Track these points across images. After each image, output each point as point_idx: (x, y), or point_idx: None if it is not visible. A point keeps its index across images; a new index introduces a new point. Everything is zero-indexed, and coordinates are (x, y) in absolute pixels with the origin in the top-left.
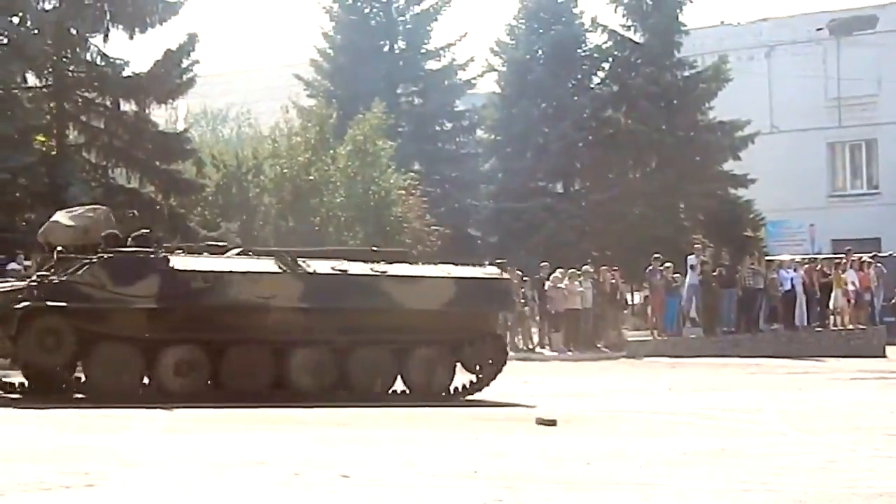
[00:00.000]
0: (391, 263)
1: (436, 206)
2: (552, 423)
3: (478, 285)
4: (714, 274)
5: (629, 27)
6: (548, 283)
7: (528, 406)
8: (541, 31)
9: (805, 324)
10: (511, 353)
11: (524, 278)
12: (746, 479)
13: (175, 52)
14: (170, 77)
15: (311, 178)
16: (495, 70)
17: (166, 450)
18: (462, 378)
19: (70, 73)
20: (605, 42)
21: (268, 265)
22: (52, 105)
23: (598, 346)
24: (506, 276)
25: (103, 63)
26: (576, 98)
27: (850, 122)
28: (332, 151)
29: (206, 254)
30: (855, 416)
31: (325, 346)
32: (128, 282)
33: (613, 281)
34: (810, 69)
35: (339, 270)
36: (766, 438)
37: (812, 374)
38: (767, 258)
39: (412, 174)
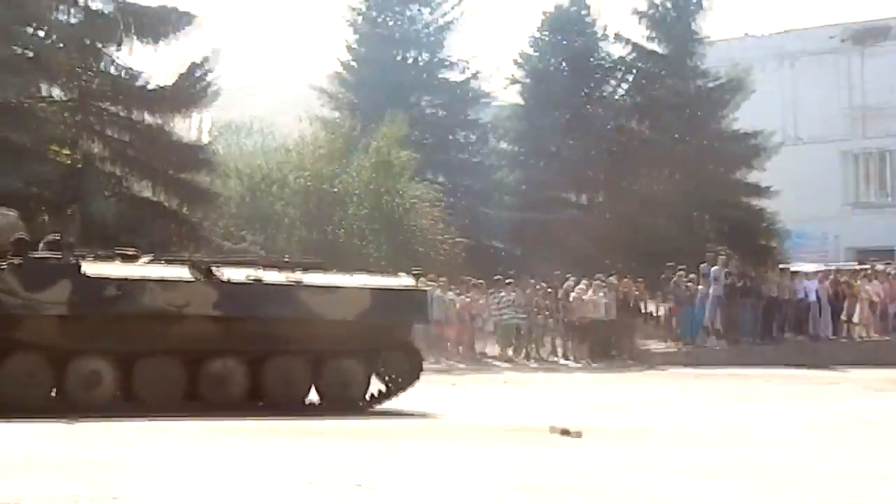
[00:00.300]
0: (306, 272)
1: (457, 218)
2: (577, 434)
3: (393, 296)
4: (736, 285)
5: (651, 38)
6: (570, 294)
7: (546, 417)
8: (563, 42)
9: (827, 334)
10: (534, 364)
11: (547, 289)
12: (772, 491)
13: (199, 65)
14: (192, 89)
15: (335, 189)
16: (518, 81)
17: (188, 461)
18: (375, 388)
19: (92, 86)
20: (628, 53)
21: (181, 273)
22: (73, 117)
23: (620, 356)
24: (421, 286)
25: (125, 75)
26: (598, 109)
27: (871, 133)
28: (355, 164)
29: (118, 261)
30: (880, 425)
31: (238, 355)
32: (38, 287)
33: (635, 292)
34: (831, 79)
35: (254, 279)
36: (792, 449)
37: (836, 384)
38: (786, 267)
39: (433, 185)
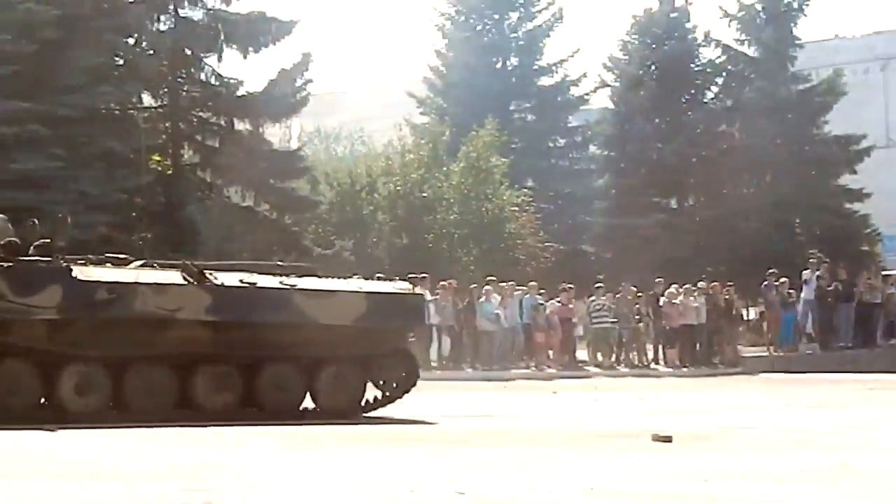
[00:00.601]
0: (300, 277)
1: (549, 223)
2: (668, 439)
3: (389, 300)
4: (830, 289)
5: (743, 41)
6: (662, 299)
7: (637, 423)
8: (654, 46)
9: None
10: (626, 370)
11: (639, 294)
12: (867, 496)
13: (289, 71)
14: (284, 96)
15: (425, 195)
16: (608, 86)
17: (281, 467)
18: (371, 394)
19: (185, 93)
20: (719, 57)
21: (173, 277)
22: (167, 125)
23: (714, 361)
24: (417, 291)
25: (217, 83)
26: (689, 113)
27: None
28: (444, 168)
29: (108, 265)
30: None
31: (232, 361)
32: (28, 292)
33: (728, 297)
34: None
35: (248, 283)
36: (887, 455)
37: None
38: (884, 273)
39: (525, 191)
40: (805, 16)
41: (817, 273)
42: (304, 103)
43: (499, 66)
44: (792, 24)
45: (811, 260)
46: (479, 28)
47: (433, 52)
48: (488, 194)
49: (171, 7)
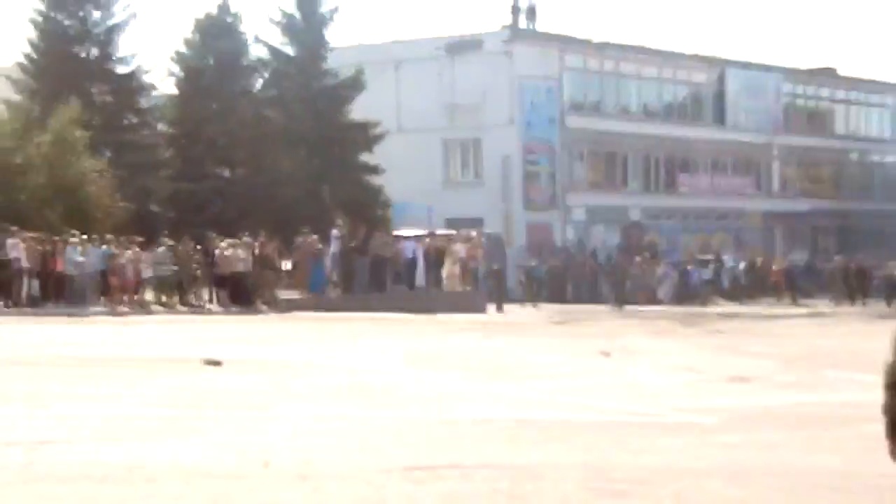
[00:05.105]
0: None
1: (124, 187)
2: (218, 363)
3: None
4: (352, 245)
5: (285, 43)
6: (216, 251)
7: (193, 351)
8: (212, 43)
9: (424, 286)
10: (184, 309)
11: (197, 246)
12: (379, 406)
13: None
14: None
15: (18, 161)
16: (174, 75)
17: None
18: None
19: None
20: (266, 55)
21: None
22: None
23: (256, 303)
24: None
25: None
26: (240, 99)
27: (462, 125)
28: (35, 140)
29: None
30: (464, 356)
31: None
32: None
33: (269, 251)
34: (431, 81)
35: None
36: (390, 376)
37: (429, 325)
38: (394, 234)
39: (103, 161)
40: (333, 22)
41: (342, 233)
42: None
43: (83, 55)
44: (324, 30)
45: (337, 222)
46: (66, 23)
47: (27, 42)
48: (72, 161)
49: None
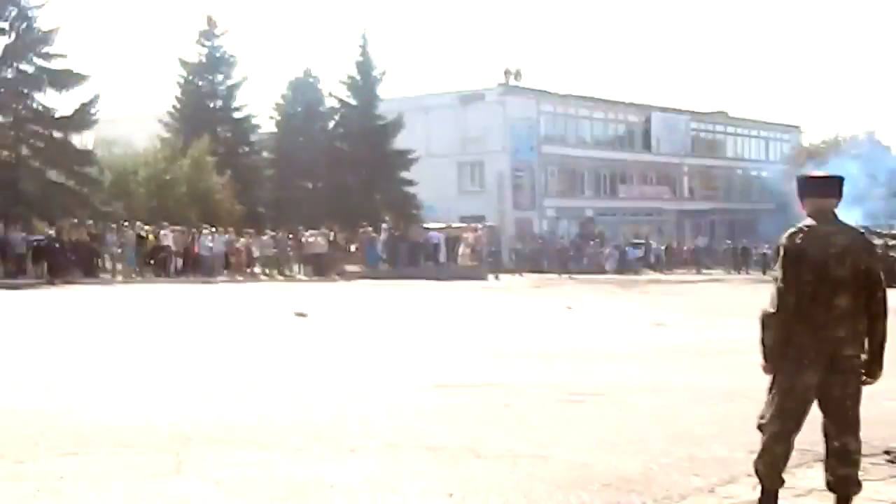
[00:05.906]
0: None
1: (239, 196)
2: (305, 314)
3: None
4: (396, 234)
5: (349, 95)
6: (303, 238)
7: (289, 307)
8: (300, 97)
9: (445, 262)
10: (282, 278)
11: (290, 235)
12: (415, 340)
13: (86, 105)
14: (82, 118)
15: (168, 177)
16: (273, 118)
17: None
18: None
19: (23, 114)
20: (337, 104)
21: None
22: (11, 133)
23: (331, 274)
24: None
25: (42, 108)
26: (319, 136)
27: (473, 152)
28: (179, 163)
29: None
30: (472, 309)
31: None
32: None
33: (339, 238)
34: (449, 122)
35: None
36: (419, 321)
37: (449, 289)
38: (424, 226)
39: (225, 177)
40: (382, 82)
41: (389, 226)
42: (94, 122)
43: (211, 105)
44: (376, 88)
45: (385, 218)
46: (200, 83)
47: (174, 97)
48: (204, 178)
49: (14, 63)
